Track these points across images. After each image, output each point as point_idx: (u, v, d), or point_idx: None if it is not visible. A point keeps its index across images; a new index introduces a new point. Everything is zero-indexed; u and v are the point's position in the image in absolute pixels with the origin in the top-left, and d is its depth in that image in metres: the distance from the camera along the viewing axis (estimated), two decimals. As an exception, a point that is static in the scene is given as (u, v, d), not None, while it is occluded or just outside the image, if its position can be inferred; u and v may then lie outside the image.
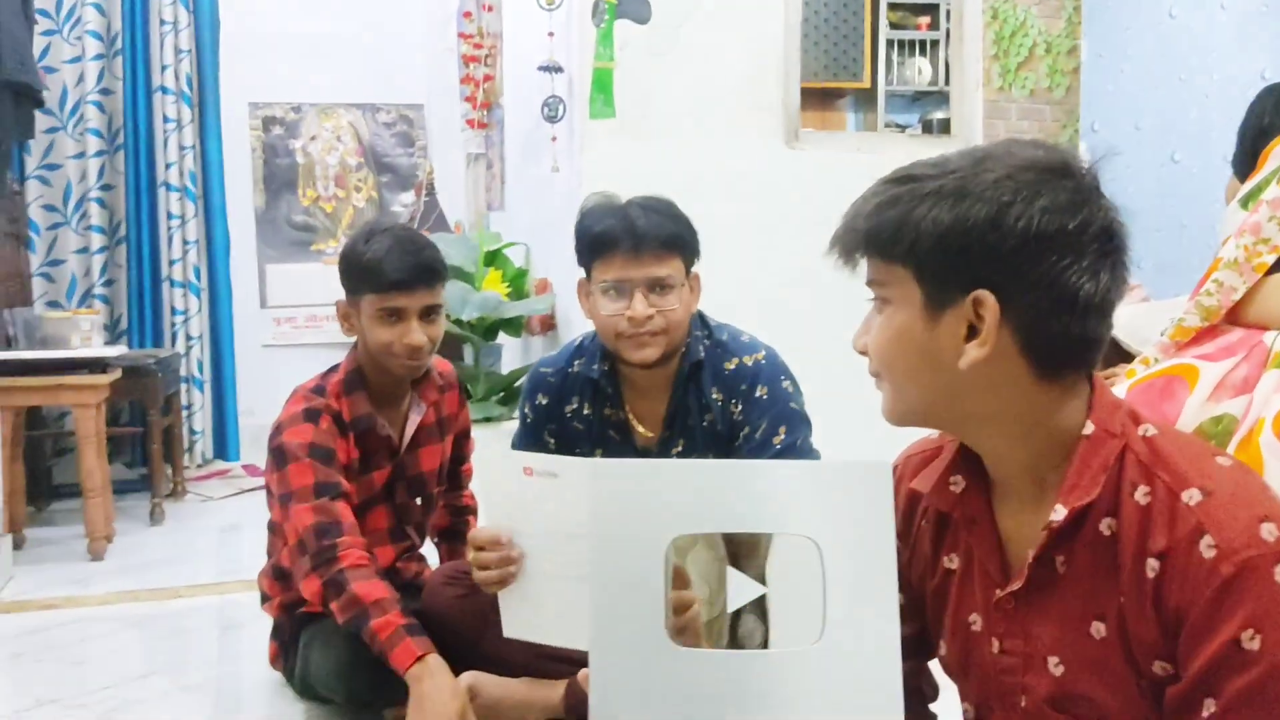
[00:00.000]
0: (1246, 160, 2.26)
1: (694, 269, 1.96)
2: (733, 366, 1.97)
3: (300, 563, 2.00)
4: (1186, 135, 3.68)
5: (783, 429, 1.93)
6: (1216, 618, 0.89)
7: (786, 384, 1.98)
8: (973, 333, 0.96)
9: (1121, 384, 2.09)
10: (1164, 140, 3.74)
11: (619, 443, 2.03)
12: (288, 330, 5.56)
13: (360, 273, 2.08)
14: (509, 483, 1.67)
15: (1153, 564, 0.93)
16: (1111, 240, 0.96)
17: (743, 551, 1.09)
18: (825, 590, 0.98)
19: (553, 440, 2.05)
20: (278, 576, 2.22)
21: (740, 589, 1.06)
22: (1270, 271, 2.06)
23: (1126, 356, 2.34)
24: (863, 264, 1.03)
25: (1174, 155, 3.74)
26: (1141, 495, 0.95)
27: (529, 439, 2.07)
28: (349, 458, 2.14)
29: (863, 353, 1.05)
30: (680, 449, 2.00)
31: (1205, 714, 0.89)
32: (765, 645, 1.04)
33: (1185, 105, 3.69)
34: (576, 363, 2.04)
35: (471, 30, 5.01)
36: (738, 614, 1.08)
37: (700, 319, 2.04)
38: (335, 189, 5.64)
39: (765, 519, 1.03)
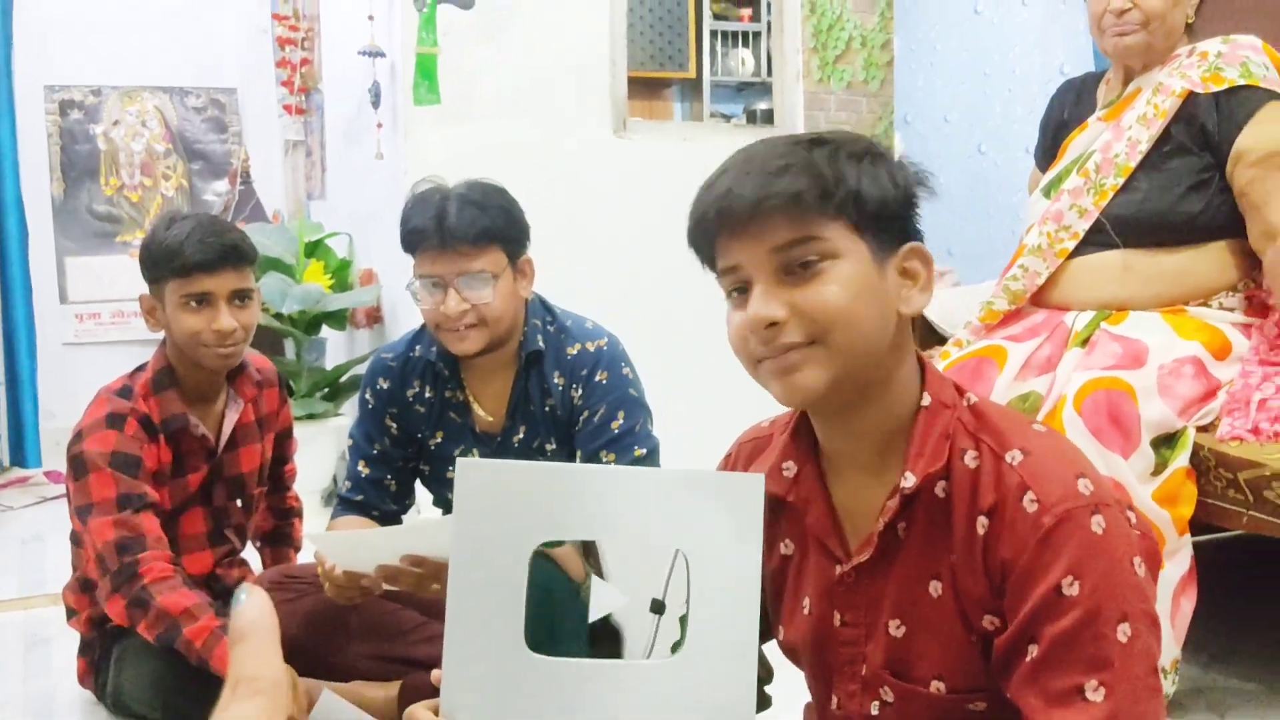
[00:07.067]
0: (1049, 151, 2.39)
1: (525, 254, 1.94)
2: (575, 351, 1.98)
3: (102, 582, 1.90)
4: (991, 128, 3.87)
5: (621, 414, 1.95)
6: (1039, 566, 0.94)
7: (626, 370, 2.00)
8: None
9: (936, 365, 2.18)
10: (971, 133, 3.92)
11: (459, 425, 2.01)
12: (91, 327, 5.20)
13: (161, 258, 1.98)
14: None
15: (982, 521, 0.98)
16: None
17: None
18: (689, 602, 0.96)
19: (394, 425, 2.03)
20: (84, 589, 2.09)
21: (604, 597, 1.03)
22: (1071, 256, 2.18)
23: (940, 339, 2.44)
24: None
25: (980, 147, 3.93)
26: (970, 459, 1.00)
27: (370, 425, 2.04)
28: (159, 462, 2.03)
29: (773, 323, 0.98)
30: (521, 435, 2.00)
31: (1027, 659, 0.94)
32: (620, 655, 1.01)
33: (990, 99, 3.88)
34: (417, 347, 2.03)
35: (287, 12, 4.81)
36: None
37: (542, 304, 2.04)
38: (142, 177, 5.32)
39: (634, 527, 0.99)
